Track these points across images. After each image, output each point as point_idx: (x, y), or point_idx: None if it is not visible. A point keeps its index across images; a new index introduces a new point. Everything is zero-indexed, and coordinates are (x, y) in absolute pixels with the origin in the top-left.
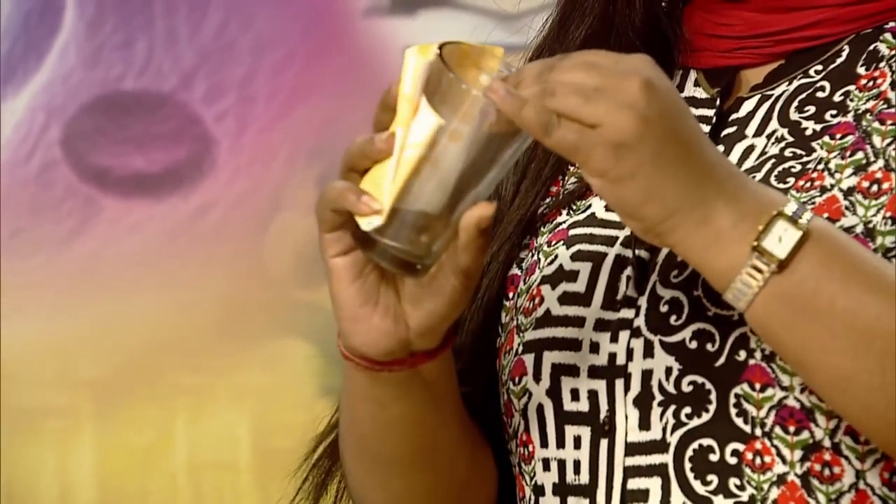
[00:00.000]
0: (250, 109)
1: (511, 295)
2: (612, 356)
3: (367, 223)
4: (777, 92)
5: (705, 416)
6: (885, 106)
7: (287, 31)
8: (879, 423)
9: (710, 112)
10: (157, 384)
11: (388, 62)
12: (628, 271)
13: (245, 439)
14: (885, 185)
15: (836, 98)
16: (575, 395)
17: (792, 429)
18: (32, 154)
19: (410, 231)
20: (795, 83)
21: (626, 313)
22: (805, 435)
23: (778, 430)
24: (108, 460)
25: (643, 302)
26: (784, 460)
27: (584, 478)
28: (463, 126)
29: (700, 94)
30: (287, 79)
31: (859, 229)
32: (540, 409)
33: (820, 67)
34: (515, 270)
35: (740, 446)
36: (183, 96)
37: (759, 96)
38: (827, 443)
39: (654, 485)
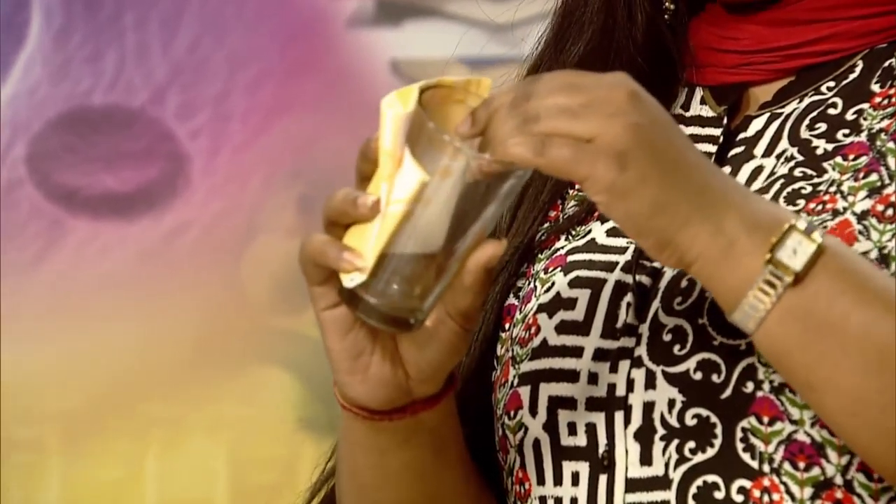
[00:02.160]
0: (226, 126)
1: (507, 326)
2: (612, 387)
3: (350, 280)
4: (787, 110)
5: (710, 451)
6: None
7: (264, 44)
8: (892, 450)
9: (717, 131)
10: (127, 416)
11: (372, 76)
12: (629, 298)
13: (221, 474)
14: None
15: (849, 116)
16: (572, 428)
17: (802, 465)
18: None
19: (399, 285)
20: (807, 100)
21: (627, 342)
22: (816, 471)
23: (787, 466)
24: (76, 497)
25: (644, 330)
26: (794, 498)
27: None
28: (448, 177)
29: (706, 112)
30: (265, 94)
31: (873, 255)
32: (536, 444)
33: (832, 84)
34: (512, 300)
35: (747, 483)
36: (155, 112)
37: (768, 114)
38: (839, 480)
39: None
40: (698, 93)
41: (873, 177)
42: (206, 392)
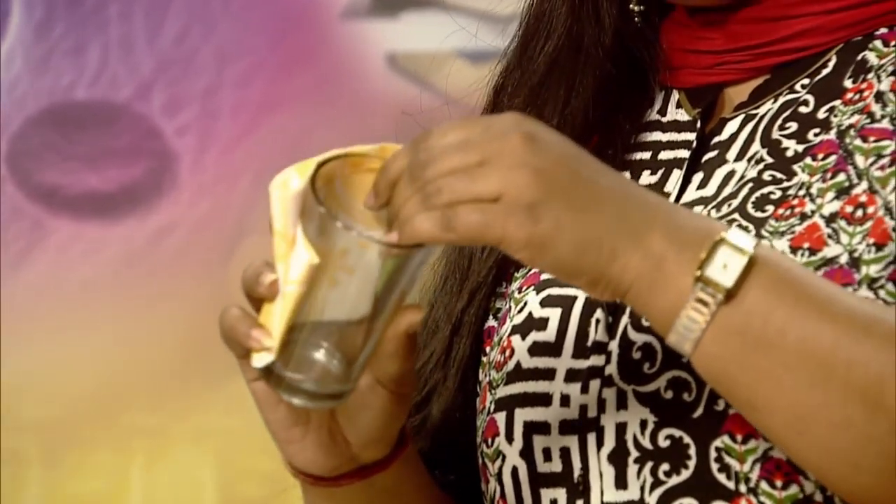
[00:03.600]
0: (215, 123)
1: (487, 349)
2: (584, 408)
3: (259, 359)
4: (762, 111)
5: (685, 473)
6: (868, 121)
7: (255, 36)
8: (843, 469)
9: (692, 136)
10: (110, 427)
11: (368, 70)
12: (598, 314)
13: (209, 487)
14: (871, 210)
15: (821, 115)
16: (547, 454)
17: (779, 483)
18: None
19: (312, 361)
20: (781, 100)
21: (597, 360)
22: (794, 489)
23: (764, 484)
24: None
25: (614, 347)
26: None
27: None
28: (347, 259)
29: (682, 116)
30: (255, 89)
31: (843, 259)
32: (514, 472)
33: (806, 81)
34: (492, 322)
35: None
36: (140, 108)
37: (742, 116)
38: (819, 497)
39: None
40: (674, 96)
41: (841, 177)
42: (193, 401)
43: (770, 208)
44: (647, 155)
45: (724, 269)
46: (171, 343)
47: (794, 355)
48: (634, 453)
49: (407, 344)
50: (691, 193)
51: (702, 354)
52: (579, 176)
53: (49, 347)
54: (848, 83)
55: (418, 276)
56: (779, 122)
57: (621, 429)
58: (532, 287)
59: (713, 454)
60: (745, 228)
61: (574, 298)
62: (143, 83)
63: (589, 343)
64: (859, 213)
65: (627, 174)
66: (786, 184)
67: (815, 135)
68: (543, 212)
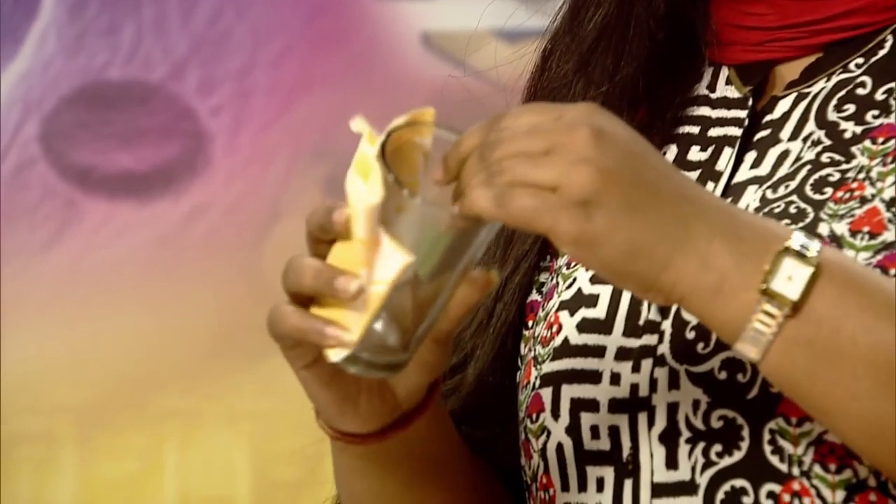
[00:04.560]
0: (248, 103)
1: (530, 323)
2: (635, 388)
3: (336, 354)
4: (815, 89)
5: (737, 455)
6: None
7: (288, 16)
8: None
9: (743, 114)
10: (143, 408)
11: (402, 50)
12: None
13: (242, 468)
14: None
15: (879, 96)
16: (595, 432)
17: (833, 467)
18: (7, 152)
19: (388, 337)
20: (834, 79)
21: (649, 339)
22: (848, 473)
23: (817, 468)
24: (89, 492)
25: (667, 326)
26: (825, 502)
27: None
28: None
29: (732, 93)
30: (289, 69)
31: None
32: (559, 448)
33: (861, 60)
34: (535, 296)
35: (776, 487)
36: (174, 88)
37: (795, 95)
38: (872, 482)
39: None
40: (724, 72)
41: None
42: (226, 383)
43: (829, 191)
44: (695, 129)
45: (789, 280)
46: (203, 324)
47: (865, 363)
48: (686, 434)
49: (464, 313)
50: (744, 172)
51: (769, 363)
52: (642, 178)
53: (80, 329)
54: None
55: (479, 253)
56: (834, 102)
57: (673, 409)
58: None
59: (767, 436)
60: (803, 211)
61: None
62: (176, 63)
63: (641, 322)
64: None
65: (674, 147)
66: (844, 166)
67: (875, 117)
68: (598, 210)
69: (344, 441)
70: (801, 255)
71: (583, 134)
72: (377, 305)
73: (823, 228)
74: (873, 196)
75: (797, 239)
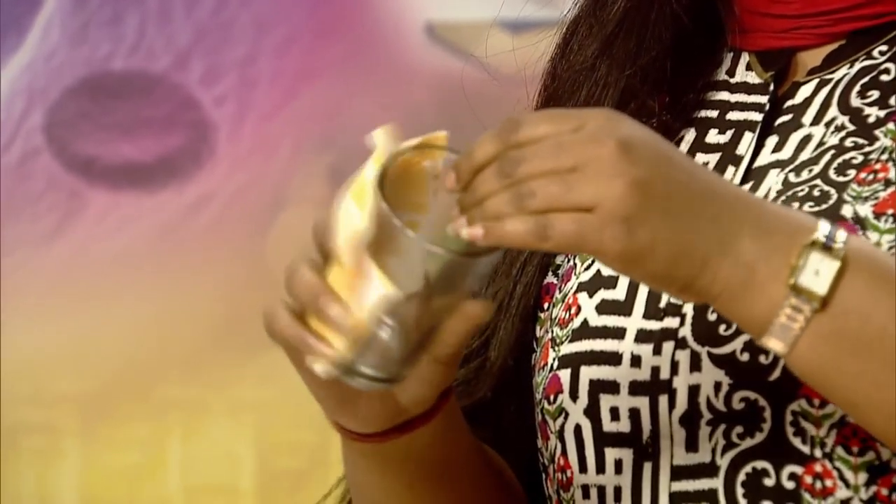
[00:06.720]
0: (252, 93)
1: (546, 305)
2: (656, 370)
3: (320, 365)
4: (837, 76)
5: (759, 436)
6: None
7: (292, 4)
8: None
9: (764, 99)
10: (146, 399)
11: (406, 39)
12: None
13: (246, 459)
14: None
15: None
16: (614, 414)
17: (855, 449)
18: (11, 142)
19: (380, 356)
20: (857, 66)
21: (671, 322)
22: (870, 455)
23: (840, 450)
24: (92, 483)
25: (688, 309)
26: (847, 484)
27: None
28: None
29: (752, 78)
30: (293, 58)
31: None
32: (578, 430)
33: (885, 48)
34: (551, 278)
35: (798, 469)
36: (178, 78)
37: (817, 81)
38: (895, 464)
39: None
40: (744, 58)
41: None
42: (229, 373)
43: (852, 172)
44: (713, 113)
45: (817, 275)
46: (207, 315)
47: (894, 352)
48: (707, 415)
49: (463, 340)
50: (766, 156)
51: (796, 357)
52: (674, 181)
53: (84, 319)
54: None
55: (484, 277)
56: (857, 88)
57: (694, 391)
58: None
59: (789, 417)
60: (827, 193)
61: None
62: (180, 53)
63: (662, 304)
64: None
65: (693, 130)
66: (867, 148)
67: None
68: (639, 225)
69: (346, 436)
70: (827, 248)
71: (610, 146)
72: (357, 332)
73: (847, 210)
74: None
75: (823, 229)
